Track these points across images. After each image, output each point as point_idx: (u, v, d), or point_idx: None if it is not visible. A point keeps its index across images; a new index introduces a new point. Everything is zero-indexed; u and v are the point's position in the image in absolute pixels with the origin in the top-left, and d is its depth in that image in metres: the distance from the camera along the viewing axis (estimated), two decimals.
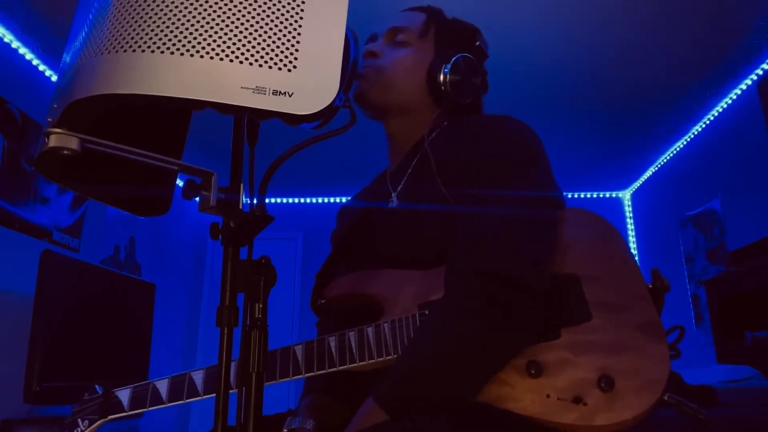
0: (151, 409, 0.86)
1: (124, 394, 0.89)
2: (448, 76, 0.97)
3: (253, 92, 0.48)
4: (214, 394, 0.82)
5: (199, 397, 0.85)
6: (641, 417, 0.71)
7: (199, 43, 0.49)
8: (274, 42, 0.50)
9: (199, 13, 0.50)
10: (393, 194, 0.99)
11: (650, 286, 0.83)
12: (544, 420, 0.72)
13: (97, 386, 0.91)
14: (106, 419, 0.88)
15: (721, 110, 3.48)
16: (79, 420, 0.89)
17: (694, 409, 0.76)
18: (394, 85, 0.99)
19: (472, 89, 1.01)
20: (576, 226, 0.88)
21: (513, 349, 0.76)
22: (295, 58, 0.51)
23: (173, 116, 0.69)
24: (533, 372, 0.75)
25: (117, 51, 0.49)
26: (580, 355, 0.75)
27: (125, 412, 0.88)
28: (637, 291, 0.82)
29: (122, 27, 0.50)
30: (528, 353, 0.76)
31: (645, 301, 0.80)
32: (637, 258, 4.69)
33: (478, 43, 1.04)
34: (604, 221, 0.90)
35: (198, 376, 0.86)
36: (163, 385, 0.87)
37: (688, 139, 3.88)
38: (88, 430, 0.87)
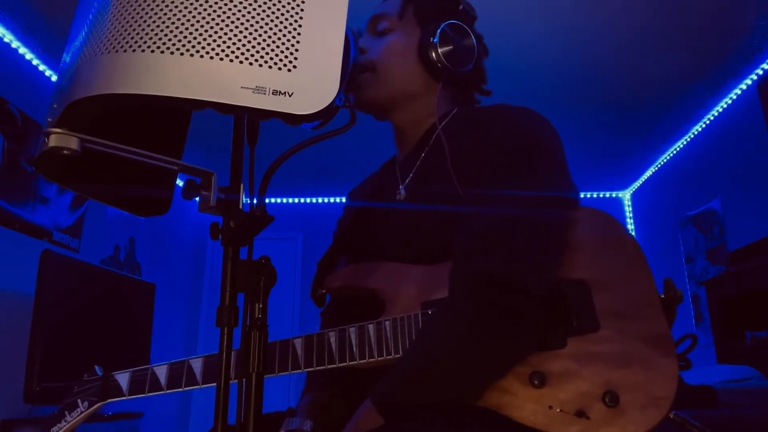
0: (150, 395, 0.86)
1: (123, 378, 0.89)
2: (439, 49, 0.93)
3: (253, 92, 0.48)
4: (212, 384, 0.82)
5: (198, 386, 0.85)
6: None
7: (199, 43, 0.49)
8: (274, 42, 0.50)
9: (199, 13, 0.50)
10: (401, 186, 0.97)
11: (662, 296, 0.80)
12: (544, 431, 0.71)
13: (97, 368, 0.91)
14: (105, 402, 0.88)
15: (721, 110, 3.48)
16: (79, 401, 0.89)
17: (699, 427, 0.75)
18: (391, 74, 0.96)
19: (468, 55, 0.96)
20: (587, 228, 0.84)
21: (513, 355, 0.74)
22: (295, 58, 0.50)
23: (173, 116, 0.69)
24: (536, 382, 0.72)
25: (117, 51, 0.49)
26: (586, 367, 0.73)
27: (124, 396, 0.88)
28: (649, 300, 0.78)
29: (122, 27, 0.50)
30: (533, 362, 0.74)
31: (656, 312, 0.77)
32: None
33: (461, 7, 1.00)
34: (618, 223, 0.86)
35: (197, 365, 0.85)
36: (162, 371, 0.87)
37: (688, 139, 3.88)
38: (87, 411, 0.87)
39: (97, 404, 0.88)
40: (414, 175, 0.96)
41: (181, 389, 0.85)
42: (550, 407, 0.71)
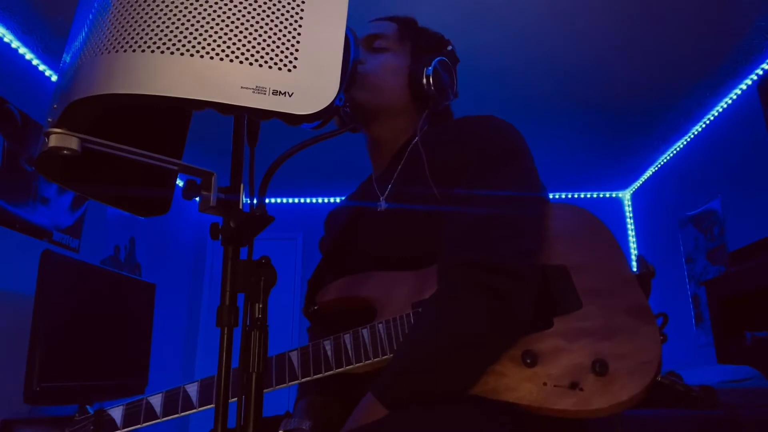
0: (145, 425, 0.84)
1: (116, 413, 0.86)
2: (430, 78, 0.99)
3: (253, 92, 0.48)
4: (209, 406, 0.82)
5: (195, 410, 0.84)
6: (637, 398, 0.72)
7: (199, 43, 0.49)
8: (273, 42, 0.50)
9: (199, 13, 0.50)
10: (381, 197, 1.00)
11: (637, 273, 0.85)
12: (542, 408, 0.73)
13: (88, 407, 0.89)
14: None
15: (721, 110, 3.48)
16: None
17: (686, 386, 0.77)
18: (381, 88, 1.01)
19: (451, 92, 1.04)
20: (560, 220, 0.90)
21: (509, 335, 0.78)
22: (295, 58, 0.50)
23: (173, 116, 0.69)
24: (528, 361, 0.76)
25: (117, 51, 0.49)
26: (574, 342, 0.77)
27: (119, 430, 0.86)
28: (624, 276, 0.84)
29: (122, 27, 0.50)
30: (522, 343, 0.78)
31: (632, 286, 0.82)
32: (636, 257, 4.69)
33: (449, 48, 1.07)
34: (588, 213, 0.92)
35: (192, 389, 0.85)
36: (156, 401, 0.85)
37: (688, 139, 3.88)
38: None
39: None
40: (393, 187, 1.00)
41: (177, 415, 0.84)
42: (544, 384, 0.74)
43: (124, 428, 0.86)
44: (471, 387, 0.76)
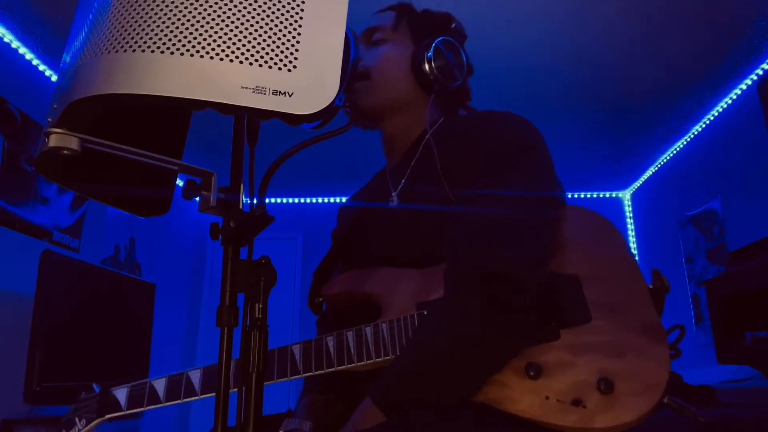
0: (148, 408, 0.85)
1: (121, 393, 0.88)
2: (432, 62, 0.96)
3: (253, 92, 0.48)
4: (212, 394, 0.82)
5: (197, 397, 0.84)
6: (641, 419, 0.70)
7: (198, 43, 0.49)
8: (273, 42, 0.50)
9: (199, 13, 0.50)
10: (393, 193, 0.99)
11: (651, 287, 0.82)
12: (542, 422, 0.72)
13: (94, 385, 0.91)
14: (104, 418, 0.87)
15: (721, 110, 3.48)
16: (77, 419, 0.88)
17: (693, 412, 0.75)
18: (384, 82, 0.98)
19: (459, 71, 1.00)
20: (575, 225, 0.87)
21: (511, 347, 0.76)
22: (295, 58, 0.50)
23: (173, 116, 0.69)
24: (532, 373, 0.74)
25: (117, 51, 0.49)
26: (580, 357, 0.75)
27: (122, 411, 0.87)
28: (638, 291, 0.81)
29: (122, 27, 0.50)
30: (527, 354, 0.76)
31: (645, 302, 0.80)
32: (637, 258, 4.68)
33: (453, 26, 1.03)
34: (604, 219, 0.89)
35: (195, 376, 0.85)
36: (160, 384, 0.86)
37: (688, 139, 3.88)
38: (86, 429, 0.86)
39: (96, 420, 0.87)
40: (405, 182, 0.98)
41: (179, 401, 0.85)
42: (547, 398, 0.73)
43: (127, 410, 0.87)
44: (472, 394, 0.75)
